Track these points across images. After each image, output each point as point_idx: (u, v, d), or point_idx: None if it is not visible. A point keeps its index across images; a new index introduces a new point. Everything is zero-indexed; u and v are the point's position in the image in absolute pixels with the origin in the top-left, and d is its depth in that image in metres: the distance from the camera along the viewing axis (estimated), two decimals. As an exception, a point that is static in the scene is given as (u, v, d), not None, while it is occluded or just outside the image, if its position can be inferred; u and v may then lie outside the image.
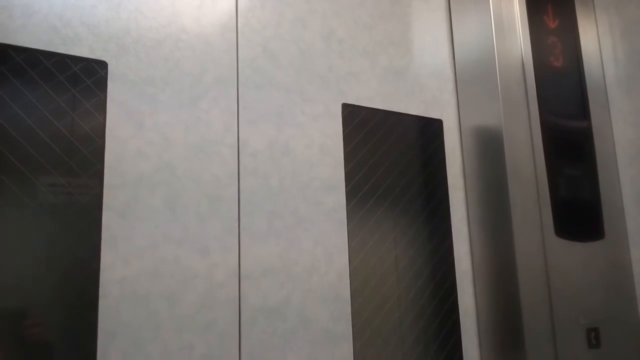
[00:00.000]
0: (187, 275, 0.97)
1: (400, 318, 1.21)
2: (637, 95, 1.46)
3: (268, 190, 1.08)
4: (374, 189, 1.23)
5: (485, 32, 1.33)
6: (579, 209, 1.32)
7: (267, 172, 1.09)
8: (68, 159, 0.93)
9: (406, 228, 1.26)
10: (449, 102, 1.38)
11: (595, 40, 1.48)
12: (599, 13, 1.52)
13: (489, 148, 1.29)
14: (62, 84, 0.95)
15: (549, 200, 1.27)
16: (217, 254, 1.01)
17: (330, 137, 1.18)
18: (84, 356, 0.88)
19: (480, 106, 1.33)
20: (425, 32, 1.39)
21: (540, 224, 1.25)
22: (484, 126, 1.31)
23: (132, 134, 0.98)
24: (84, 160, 0.94)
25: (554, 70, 1.37)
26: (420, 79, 1.34)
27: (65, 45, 0.95)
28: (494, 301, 1.25)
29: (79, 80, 0.96)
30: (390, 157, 1.27)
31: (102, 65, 0.98)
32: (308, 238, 1.10)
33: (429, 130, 1.34)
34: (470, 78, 1.36)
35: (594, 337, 1.24)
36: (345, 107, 1.21)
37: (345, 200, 1.16)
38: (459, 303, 1.26)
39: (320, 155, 1.16)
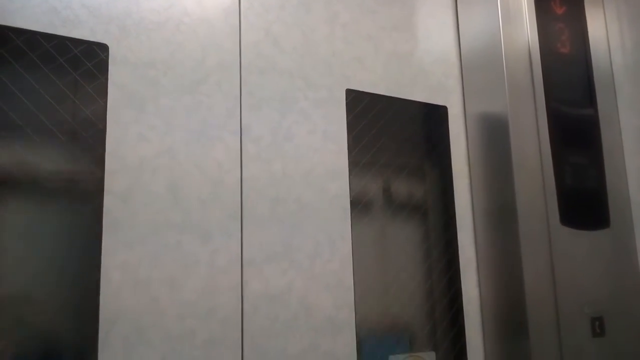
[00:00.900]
0: (188, 260, 0.97)
1: (403, 306, 1.20)
2: (644, 82, 1.44)
3: (271, 176, 1.07)
4: (378, 175, 1.22)
5: (491, 17, 1.31)
6: (584, 198, 1.31)
7: (270, 158, 1.08)
8: (69, 142, 0.92)
9: (410, 215, 1.25)
10: (454, 89, 1.36)
11: (603, 26, 1.46)
12: (607, -1, 1.50)
13: (494, 135, 1.28)
14: (63, 66, 0.93)
15: (555, 188, 1.25)
16: (219, 239, 1.00)
17: (333, 123, 1.16)
18: (85, 341, 0.88)
19: (485, 93, 1.31)
20: (430, 17, 1.37)
21: (545, 212, 1.23)
22: (489, 113, 1.29)
23: (134, 118, 0.97)
24: (85, 144, 0.93)
25: (561, 57, 1.35)
26: (425, 65, 1.33)
27: (66, 27, 0.94)
28: (497, 290, 1.24)
29: (79, 63, 0.95)
30: (394, 144, 1.25)
31: (103, 47, 0.96)
32: (311, 225, 1.09)
33: (433, 117, 1.32)
34: (475, 64, 1.35)
35: (598, 326, 1.24)
36: (349, 92, 1.20)
37: (348, 186, 1.15)
38: (463, 291, 1.26)
39: (324, 142, 1.14)
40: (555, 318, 1.19)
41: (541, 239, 1.22)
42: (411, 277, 1.22)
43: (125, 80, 0.97)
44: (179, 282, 0.95)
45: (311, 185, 1.11)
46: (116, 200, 0.93)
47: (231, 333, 0.98)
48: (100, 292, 0.89)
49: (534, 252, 1.20)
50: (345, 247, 1.12)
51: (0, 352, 0.83)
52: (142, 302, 0.92)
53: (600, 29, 1.45)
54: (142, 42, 0.99)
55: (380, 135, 1.23)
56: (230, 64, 1.07)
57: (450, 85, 1.36)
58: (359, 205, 1.17)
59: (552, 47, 1.34)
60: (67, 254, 0.90)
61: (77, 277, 0.90)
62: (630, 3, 1.50)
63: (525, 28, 1.31)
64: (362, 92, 1.22)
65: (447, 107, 1.34)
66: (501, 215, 1.24)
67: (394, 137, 1.26)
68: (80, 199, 0.92)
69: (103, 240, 0.91)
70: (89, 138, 0.93)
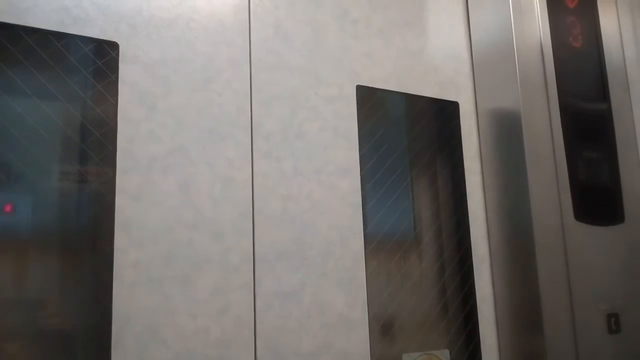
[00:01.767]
0: (201, 259, 0.96)
1: (417, 304, 1.19)
2: (658, 76, 1.42)
3: (282, 174, 1.07)
4: (389, 172, 1.21)
5: (502, 12, 1.29)
6: (598, 193, 1.29)
7: (280, 155, 1.07)
8: (80, 141, 0.91)
9: (422, 213, 1.24)
10: (466, 84, 1.35)
11: (615, 20, 1.44)
12: (619, -8, 1.48)
13: (506, 131, 1.26)
14: (73, 65, 0.93)
15: (568, 183, 1.24)
16: (231, 237, 0.99)
17: (344, 120, 1.16)
18: (98, 341, 0.88)
19: (497, 88, 1.30)
20: (441, 12, 1.36)
21: (559, 208, 1.22)
22: (501, 109, 1.28)
23: (144, 116, 0.96)
24: (96, 142, 0.93)
25: (573, 51, 1.34)
26: (436, 61, 1.32)
27: (76, 26, 0.94)
28: (511, 287, 1.23)
29: (90, 61, 0.95)
30: (405, 140, 1.25)
31: (114, 46, 0.96)
32: (323, 222, 1.09)
33: (444, 113, 1.31)
34: (487, 59, 1.34)
35: (614, 323, 1.22)
36: (360, 89, 1.19)
37: (360, 183, 1.14)
38: (476, 289, 1.24)
39: (335, 138, 1.14)
40: (571, 315, 1.18)
41: (555, 235, 1.20)
42: (424, 275, 1.21)
43: (136, 78, 0.97)
44: (192, 281, 0.95)
45: (322, 182, 1.10)
46: (128, 199, 0.92)
47: (244, 331, 0.97)
48: (113, 291, 0.89)
49: (548, 249, 1.19)
50: (357, 244, 1.11)
51: (15, 354, 0.82)
52: (155, 301, 0.91)
53: (613, 23, 1.44)
54: (152, 40, 0.99)
55: (391, 131, 1.23)
56: (240, 61, 1.07)
57: (461, 81, 1.35)
58: (370, 202, 1.17)
59: (564, 41, 1.33)
60: (80, 253, 0.89)
61: (90, 276, 0.90)
62: (642, -4, 1.48)
63: (537, 22, 1.30)
64: (373, 88, 1.21)
65: (459, 103, 1.33)
66: (515, 211, 1.23)
67: (405, 133, 1.25)
68: (92, 199, 0.92)
69: (115, 240, 0.90)
70: (100, 137, 0.93)
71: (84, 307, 0.89)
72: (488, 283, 1.26)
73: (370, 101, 1.21)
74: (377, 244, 1.16)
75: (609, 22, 1.42)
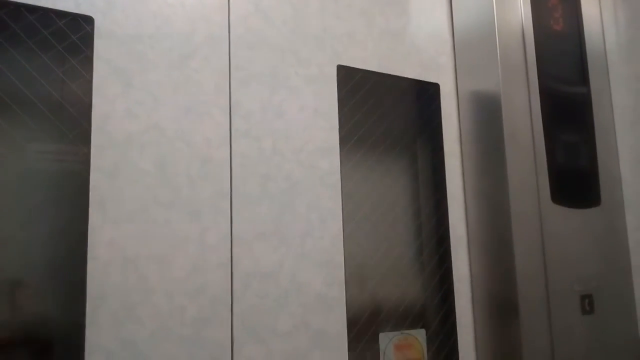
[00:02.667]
0: (177, 238, 0.95)
1: (394, 284, 1.20)
2: (636, 60, 1.43)
3: (261, 153, 1.06)
4: (369, 153, 1.21)
5: (484, -7, 1.29)
6: (575, 176, 1.30)
7: (259, 135, 1.06)
8: (54, 117, 0.90)
9: (401, 194, 1.25)
10: (447, 66, 1.35)
11: (596, 4, 1.44)
12: (601, -24, 1.48)
13: (486, 113, 1.27)
14: (47, 39, 0.91)
15: (546, 166, 1.25)
16: (209, 217, 0.99)
17: (324, 100, 1.15)
18: (72, 319, 0.87)
19: (478, 70, 1.30)
20: (423, -7, 1.35)
21: (536, 190, 1.23)
22: (481, 91, 1.28)
23: (120, 92, 0.95)
24: (70, 119, 0.91)
25: (554, 34, 1.34)
26: (418, 42, 1.31)
27: (49, -1, 0.91)
28: (488, 268, 1.24)
29: (64, 36, 0.92)
30: (385, 121, 1.24)
31: (89, 20, 0.94)
32: (302, 202, 1.08)
33: (425, 94, 1.31)
34: (468, 41, 1.33)
35: (587, 304, 1.24)
36: (341, 69, 1.18)
37: (339, 164, 1.14)
38: (453, 269, 1.26)
39: (315, 118, 1.13)
40: (546, 296, 1.19)
41: (532, 217, 1.22)
42: (402, 255, 1.22)
43: (112, 54, 0.95)
44: (168, 260, 0.94)
45: (302, 162, 1.10)
46: (103, 177, 0.91)
47: (221, 310, 0.97)
48: (87, 269, 0.88)
49: (525, 230, 1.20)
50: (335, 224, 1.11)
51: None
52: (131, 280, 0.91)
53: (594, 7, 1.44)
54: (128, 15, 0.97)
55: (371, 112, 1.22)
56: (219, 38, 1.05)
57: (442, 62, 1.34)
58: (349, 183, 1.16)
59: (545, 24, 1.33)
60: (53, 232, 0.88)
61: (63, 254, 0.89)
62: (624, -20, 1.48)
63: (518, 4, 1.30)
64: (354, 68, 1.20)
65: (440, 84, 1.33)
66: (492, 193, 1.24)
67: (385, 114, 1.24)
68: (66, 176, 0.90)
69: (89, 218, 0.89)
70: (75, 113, 0.91)
71: (58, 285, 0.88)
72: (465, 264, 1.27)
73: (351, 81, 1.20)
74: (355, 224, 1.16)
75: (590, 6, 1.43)
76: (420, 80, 1.30)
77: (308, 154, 1.11)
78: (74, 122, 0.91)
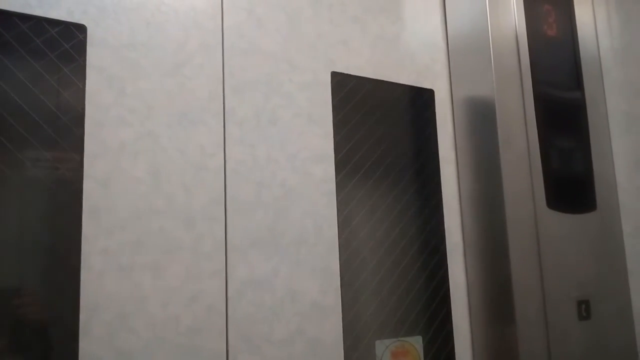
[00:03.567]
0: (172, 246, 0.95)
1: (390, 291, 1.19)
2: (631, 65, 1.44)
3: (255, 160, 1.05)
4: (364, 160, 1.20)
5: (478, 0, 1.29)
6: (571, 181, 1.30)
7: (253, 142, 1.06)
8: (46, 126, 0.89)
9: (396, 200, 1.24)
10: (441, 72, 1.35)
11: (590, 9, 1.45)
12: (594, -18, 1.49)
13: (480, 119, 1.27)
14: (39, 48, 0.91)
15: (541, 172, 1.25)
16: (203, 225, 0.98)
17: (319, 107, 1.15)
18: (65, 329, 0.86)
19: (472, 76, 1.30)
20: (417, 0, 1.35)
21: (532, 195, 1.23)
22: (476, 97, 1.28)
23: (113, 100, 0.94)
24: (63, 127, 0.91)
25: (548, 39, 1.34)
26: (412, 48, 1.31)
27: (42, 8, 0.91)
28: (484, 274, 1.24)
29: (56, 44, 0.92)
30: (380, 128, 1.24)
31: (81, 29, 0.94)
32: (296, 209, 1.08)
33: (420, 101, 1.31)
34: (462, 47, 1.33)
35: (584, 310, 1.24)
36: (335, 75, 1.18)
37: (334, 171, 1.14)
38: (449, 276, 1.25)
39: (309, 125, 1.13)
40: (542, 302, 1.19)
41: (528, 223, 1.21)
42: (398, 262, 1.21)
43: (105, 62, 0.95)
44: (162, 268, 0.94)
45: (296, 169, 1.09)
46: (96, 185, 0.91)
47: (216, 319, 0.96)
48: (81, 278, 0.87)
49: (520, 236, 1.20)
50: (331, 231, 1.11)
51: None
52: (125, 289, 0.90)
53: (588, 12, 1.45)
54: (121, 23, 0.97)
55: (366, 118, 1.22)
56: (212, 46, 1.05)
57: (437, 68, 1.34)
58: (344, 190, 1.16)
59: (539, 30, 1.33)
60: (46, 241, 0.88)
61: (57, 264, 0.88)
62: (617, -14, 1.49)
63: (512, 10, 1.30)
64: (348, 75, 1.20)
65: (434, 90, 1.33)
66: (488, 199, 1.24)
67: (380, 121, 1.24)
68: (59, 184, 0.89)
69: (83, 226, 0.89)
70: (68, 121, 0.91)
71: (51, 295, 0.87)
72: (461, 270, 1.27)
73: (345, 88, 1.20)
74: (350, 231, 1.16)
75: (583, 11, 1.43)
76: (415, 87, 1.30)
77: (302, 161, 1.11)
78: (66, 130, 0.91)
